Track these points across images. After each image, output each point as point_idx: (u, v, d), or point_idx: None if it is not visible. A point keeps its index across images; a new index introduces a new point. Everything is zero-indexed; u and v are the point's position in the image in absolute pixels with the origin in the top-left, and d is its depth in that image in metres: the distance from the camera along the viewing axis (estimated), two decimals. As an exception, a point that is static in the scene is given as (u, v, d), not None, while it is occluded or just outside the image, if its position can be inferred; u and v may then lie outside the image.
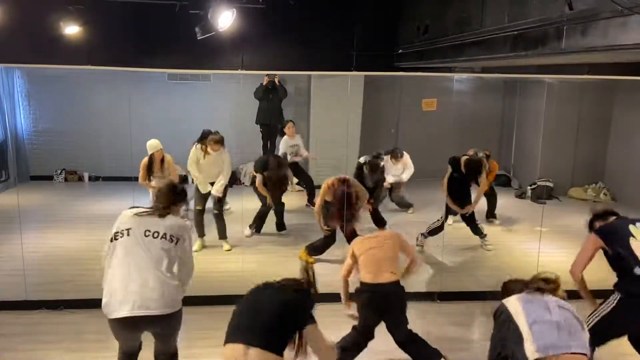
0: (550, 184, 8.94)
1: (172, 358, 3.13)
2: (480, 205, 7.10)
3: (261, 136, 8.93)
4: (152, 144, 6.20)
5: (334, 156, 8.19)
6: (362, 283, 3.59)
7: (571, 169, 9.30)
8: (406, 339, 3.56)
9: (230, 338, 2.31)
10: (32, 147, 9.49)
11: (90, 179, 9.57)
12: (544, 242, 5.75)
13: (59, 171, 9.48)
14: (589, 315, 3.30)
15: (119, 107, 8.06)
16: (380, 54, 7.73)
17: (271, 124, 8.90)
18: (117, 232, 3.03)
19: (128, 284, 2.82)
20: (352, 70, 7.42)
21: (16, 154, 9.00)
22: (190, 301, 3.98)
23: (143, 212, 3.07)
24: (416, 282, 5.15)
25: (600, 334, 3.08)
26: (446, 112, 8.03)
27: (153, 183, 6.13)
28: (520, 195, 9.05)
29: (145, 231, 2.95)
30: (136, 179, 6.90)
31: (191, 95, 9.47)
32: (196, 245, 5.96)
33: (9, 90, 9.06)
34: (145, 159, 6.16)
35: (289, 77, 9.29)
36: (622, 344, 3.53)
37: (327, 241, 5.72)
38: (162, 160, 6.23)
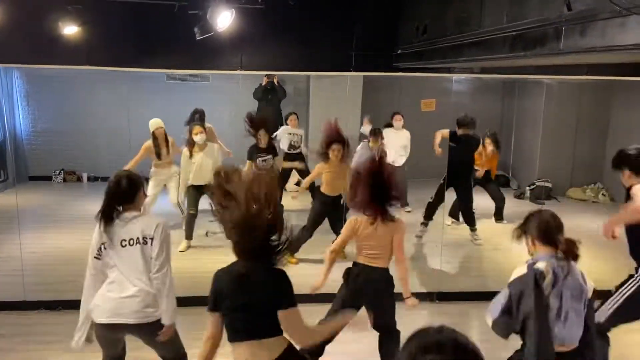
0: (549, 185, 8.95)
1: None
2: (486, 206, 7.11)
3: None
4: (154, 122, 6.23)
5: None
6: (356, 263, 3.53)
7: (570, 169, 9.31)
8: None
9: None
10: (30, 148, 9.47)
11: (89, 179, 9.56)
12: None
13: (58, 171, 9.47)
14: (610, 299, 3.31)
15: (117, 107, 8.06)
16: (379, 54, 7.73)
17: (270, 124, 8.89)
18: (98, 251, 2.92)
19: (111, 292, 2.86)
20: (351, 71, 7.43)
21: (15, 154, 8.99)
22: (188, 302, 3.98)
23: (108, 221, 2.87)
24: (415, 283, 5.15)
25: (624, 315, 3.16)
26: (445, 112, 8.02)
27: (151, 174, 6.14)
28: (519, 196, 9.06)
29: (122, 241, 2.83)
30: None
31: (190, 95, 9.46)
32: (182, 245, 5.93)
33: (7, 90, 9.05)
34: (149, 141, 6.21)
35: (288, 77, 9.29)
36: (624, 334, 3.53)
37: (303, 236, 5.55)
38: (166, 140, 6.27)
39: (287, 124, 7.61)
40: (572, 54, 3.18)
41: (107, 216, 2.81)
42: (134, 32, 7.14)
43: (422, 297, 5.03)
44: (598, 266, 5.42)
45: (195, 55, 7.05)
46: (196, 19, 6.35)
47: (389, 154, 7.16)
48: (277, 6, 6.69)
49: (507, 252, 6.32)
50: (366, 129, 7.35)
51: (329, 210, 5.65)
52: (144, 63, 6.81)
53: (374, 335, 3.73)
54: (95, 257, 2.92)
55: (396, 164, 7.19)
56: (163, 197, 6.67)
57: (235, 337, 2.34)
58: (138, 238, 2.81)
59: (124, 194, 2.85)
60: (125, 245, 2.81)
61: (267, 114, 8.78)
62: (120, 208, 2.86)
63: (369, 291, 3.50)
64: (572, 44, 3.08)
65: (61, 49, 6.81)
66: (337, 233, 5.34)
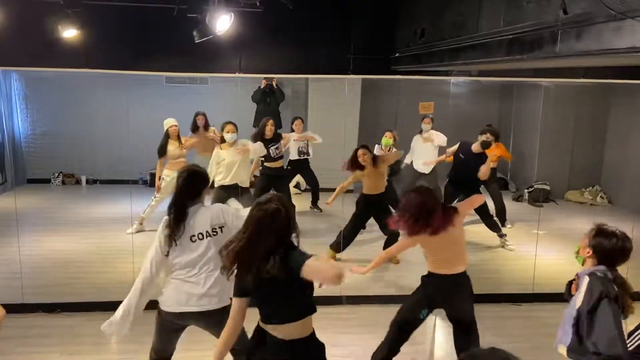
0: (547, 187, 8.97)
1: None
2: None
3: (259, 139, 8.94)
4: (168, 120, 6.58)
5: (330, 159, 8.19)
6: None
7: (568, 172, 9.34)
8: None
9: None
10: (29, 150, 9.48)
11: (87, 182, 9.57)
12: (541, 245, 5.77)
13: (57, 174, 9.48)
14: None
15: (116, 110, 8.08)
16: (378, 57, 7.75)
17: (269, 127, 8.91)
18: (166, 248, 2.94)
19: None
20: (349, 74, 7.44)
21: (13, 157, 8.98)
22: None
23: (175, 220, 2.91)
24: (414, 285, 5.16)
25: None
26: (443, 115, 8.06)
27: (165, 174, 6.26)
28: (518, 198, 9.08)
29: (191, 237, 2.91)
30: (134, 182, 6.95)
31: (189, 98, 9.48)
32: None
33: (6, 93, 9.06)
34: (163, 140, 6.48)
35: (287, 80, 9.31)
36: None
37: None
38: (179, 139, 6.53)
39: (292, 130, 7.62)
40: (568, 58, 3.20)
41: (179, 212, 2.87)
42: (132, 35, 7.14)
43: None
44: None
45: (194, 58, 7.05)
46: (195, 22, 6.36)
47: (417, 163, 7.22)
48: (276, 9, 6.70)
49: (504, 255, 6.34)
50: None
51: (374, 210, 5.78)
52: (142, 66, 6.81)
53: (372, 337, 3.73)
54: (165, 255, 2.92)
55: (425, 172, 7.28)
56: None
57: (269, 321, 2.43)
58: (207, 231, 2.89)
59: (192, 190, 2.92)
60: (195, 240, 2.89)
61: (265, 116, 8.83)
62: (188, 203, 2.92)
63: (454, 297, 3.58)
64: (568, 48, 3.10)
65: (60, 51, 6.81)
66: (386, 232, 5.45)
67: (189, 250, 2.91)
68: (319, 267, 2.35)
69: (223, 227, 2.94)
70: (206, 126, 7.24)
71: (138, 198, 6.49)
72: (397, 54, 7.22)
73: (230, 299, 2.66)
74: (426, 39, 5.74)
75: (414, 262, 6.03)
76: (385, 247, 5.15)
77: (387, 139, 6.91)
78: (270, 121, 6.56)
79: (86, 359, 3.93)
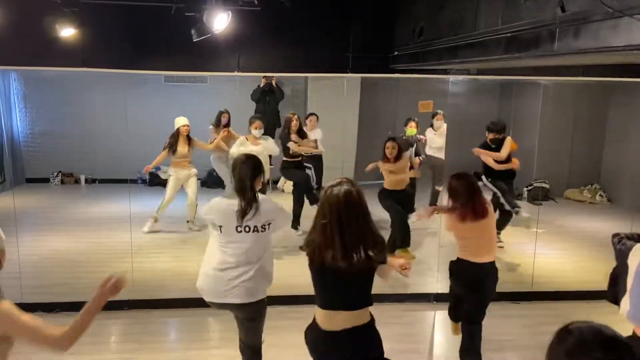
0: (547, 185, 8.97)
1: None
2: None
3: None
4: (180, 119, 6.62)
5: (330, 158, 8.19)
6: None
7: (567, 170, 9.34)
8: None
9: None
10: (28, 150, 9.48)
11: (86, 181, 9.57)
12: (540, 243, 5.77)
13: (55, 173, 9.47)
14: None
15: (115, 109, 8.07)
16: (376, 56, 7.74)
17: (268, 125, 8.90)
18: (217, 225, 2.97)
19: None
20: (348, 72, 7.44)
21: (12, 156, 8.98)
22: (186, 303, 3.99)
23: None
24: (412, 284, 5.17)
25: None
26: (442, 113, 8.05)
27: (171, 172, 6.43)
28: (517, 197, 9.07)
29: (237, 227, 2.90)
30: (133, 181, 6.95)
31: (188, 97, 9.48)
32: None
33: (5, 92, 9.05)
34: (170, 139, 6.53)
35: (286, 79, 9.31)
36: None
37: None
38: (189, 140, 6.57)
39: (305, 125, 7.46)
40: (566, 55, 3.20)
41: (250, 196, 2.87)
42: (131, 34, 7.14)
43: (420, 298, 5.05)
44: (597, 266, 5.44)
45: (192, 57, 7.05)
46: (193, 21, 6.36)
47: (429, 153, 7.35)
48: (274, 8, 6.70)
49: (503, 254, 6.33)
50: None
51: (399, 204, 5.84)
52: (141, 65, 6.81)
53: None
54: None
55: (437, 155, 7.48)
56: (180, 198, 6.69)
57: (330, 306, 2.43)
58: (256, 226, 2.88)
59: (253, 173, 2.92)
60: (241, 231, 2.89)
61: (265, 115, 8.83)
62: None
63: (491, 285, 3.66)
64: (566, 46, 3.10)
65: (58, 51, 6.81)
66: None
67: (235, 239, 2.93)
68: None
69: (271, 223, 2.94)
70: (228, 124, 7.26)
71: (137, 197, 6.49)
72: (395, 53, 7.22)
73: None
74: (424, 37, 5.75)
75: (413, 262, 6.04)
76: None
77: (411, 129, 6.98)
78: (296, 116, 6.72)
79: (86, 358, 3.93)
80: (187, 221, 6.66)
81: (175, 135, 6.58)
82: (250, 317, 3.03)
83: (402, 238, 5.76)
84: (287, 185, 9.05)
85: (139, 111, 8.81)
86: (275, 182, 9.25)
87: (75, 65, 6.75)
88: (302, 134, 6.78)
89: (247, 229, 2.87)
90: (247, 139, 6.36)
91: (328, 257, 2.28)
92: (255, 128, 6.34)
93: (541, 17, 3.32)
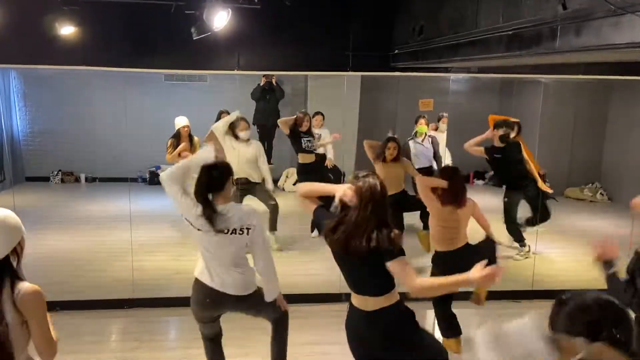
0: (547, 184, 8.95)
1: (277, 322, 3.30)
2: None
3: (258, 137, 8.93)
4: (180, 120, 6.29)
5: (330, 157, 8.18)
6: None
7: (567, 169, 9.32)
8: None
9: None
10: (28, 148, 9.46)
11: (86, 180, 9.56)
12: (541, 242, 5.76)
13: (56, 172, 9.46)
14: None
15: (115, 108, 8.05)
16: (376, 54, 7.73)
17: (268, 124, 8.89)
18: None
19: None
20: (348, 71, 7.43)
21: (12, 155, 8.97)
22: (187, 302, 3.97)
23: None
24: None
25: None
26: (442, 112, 8.04)
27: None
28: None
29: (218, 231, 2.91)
30: (133, 180, 6.94)
31: (188, 95, 9.46)
32: None
33: (5, 91, 9.04)
34: (171, 139, 6.24)
35: (286, 78, 9.29)
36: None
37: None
38: (191, 140, 6.27)
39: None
40: (568, 53, 3.19)
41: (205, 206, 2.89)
42: (130, 33, 7.13)
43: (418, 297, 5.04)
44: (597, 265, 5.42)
45: (192, 55, 7.05)
46: (193, 19, 6.35)
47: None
48: (274, 6, 6.70)
49: (503, 252, 6.32)
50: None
51: (400, 209, 5.67)
52: (141, 63, 6.81)
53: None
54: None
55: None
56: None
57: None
58: (235, 229, 2.89)
59: (214, 182, 2.91)
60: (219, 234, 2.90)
61: (265, 114, 8.81)
62: (210, 196, 2.90)
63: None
64: (568, 43, 3.09)
65: (58, 49, 6.81)
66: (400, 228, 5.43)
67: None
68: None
69: (250, 229, 2.93)
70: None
71: (137, 196, 6.48)
72: (396, 51, 7.21)
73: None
74: (425, 35, 5.74)
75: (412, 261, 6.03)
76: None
77: (422, 126, 6.80)
78: (308, 116, 6.55)
79: (86, 357, 3.92)
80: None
81: (177, 136, 6.43)
82: (252, 307, 3.13)
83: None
84: (288, 183, 9.05)
85: (139, 110, 8.80)
86: (276, 180, 9.24)
87: (75, 64, 6.74)
88: (310, 134, 6.63)
89: (226, 231, 2.89)
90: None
91: (353, 244, 2.37)
92: (242, 130, 5.89)
93: (542, 14, 3.30)
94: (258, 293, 3.10)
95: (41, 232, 6.63)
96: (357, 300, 2.53)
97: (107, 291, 4.81)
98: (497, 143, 5.93)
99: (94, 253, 5.94)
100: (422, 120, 6.96)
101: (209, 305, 3.09)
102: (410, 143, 7.04)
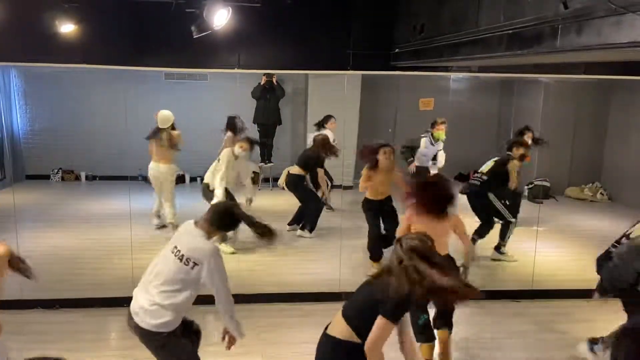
0: (548, 184, 8.95)
1: None
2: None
3: (258, 136, 8.92)
4: (168, 115, 6.28)
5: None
6: None
7: (568, 168, 9.32)
8: None
9: None
10: (28, 146, 9.46)
11: (87, 178, 9.55)
12: (541, 242, 5.75)
13: (56, 170, 9.46)
14: None
15: (115, 106, 8.03)
16: (377, 53, 7.73)
17: (269, 123, 8.89)
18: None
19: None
20: (348, 70, 7.42)
21: (12, 153, 8.97)
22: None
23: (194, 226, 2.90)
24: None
25: None
26: (443, 111, 8.03)
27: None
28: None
29: (174, 248, 2.86)
30: (133, 178, 6.93)
31: (188, 94, 9.45)
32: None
33: (5, 89, 9.03)
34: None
35: (287, 77, 9.29)
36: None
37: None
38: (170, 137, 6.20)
39: (325, 128, 7.22)
40: (569, 52, 3.19)
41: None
42: (131, 31, 7.13)
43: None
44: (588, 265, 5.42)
45: (192, 53, 7.04)
46: (193, 18, 6.34)
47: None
48: (274, 4, 6.69)
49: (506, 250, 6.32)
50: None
51: (380, 214, 5.52)
52: (141, 62, 6.80)
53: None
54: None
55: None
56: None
57: None
58: (183, 255, 2.79)
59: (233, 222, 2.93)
60: (174, 252, 2.84)
61: (265, 113, 8.81)
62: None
63: None
64: (569, 42, 3.08)
65: (58, 47, 6.80)
66: (390, 235, 5.32)
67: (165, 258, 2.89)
68: None
69: (197, 265, 2.79)
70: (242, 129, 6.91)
71: (137, 194, 6.46)
72: (396, 50, 7.20)
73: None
74: (425, 34, 5.73)
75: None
76: None
77: (441, 132, 6.67)
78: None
79: (85, 355, 3.92)
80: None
81: (160, 132, 6.29)
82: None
83: (371, 251, 5.51)
84: (288, 182, 9.03)
85: (139, 108, 8.78)
86: (276, 179, 9.24)
87: (75, 62, 6.74)
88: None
89: (177, 252, 2.82)
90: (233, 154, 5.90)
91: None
92: (240, 147, 5.82)
93: (543, 13, 3.30)
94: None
95: (41, 230, 6.63)
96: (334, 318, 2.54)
97: (106, 289, 4.81)
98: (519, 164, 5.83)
99: (93, 251, 5.94)
100: (442, 126, 6.76)
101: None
102: (423, 140, 6.97)
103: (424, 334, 3.60)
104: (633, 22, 2.50)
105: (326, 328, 2.58)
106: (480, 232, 5.83)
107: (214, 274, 2.74)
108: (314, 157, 6.48)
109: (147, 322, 2.82)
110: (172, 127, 6.30)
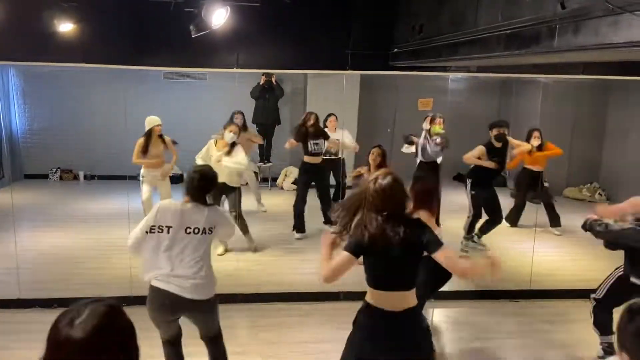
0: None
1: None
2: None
3: (257, 135, 8.93)
4: (152, 119, 6.13)
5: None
6: None
7: (566, 169, 9.32)
8: None
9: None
10: (27, 146, 9.45)
11: (85, 177, 9.55)
12: (539, 242, 5.76)
13: (54, 170, 9.45)
14: None
15: (114, 105, 8.04)
16: (376, 53, 7.73)
17: (268, 123, 8.90)
18: (155, 227, 3.04)
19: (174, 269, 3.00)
20: (347, 70, 7.42)
21: (11, 152, 8.95)
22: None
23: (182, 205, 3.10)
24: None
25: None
26: (442, 111, 8.03)
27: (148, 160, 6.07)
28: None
29: (186, 228, 3.02)
30: (132, 177, 6.90)
31: (187, 93, 9.45)
32: (219, 249, 5.79)
33: (3, 88, 9.03)
34: (142, 138, 6.07)
35: (286, 77, 9.29)
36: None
37: None
38: (162, 140, 6.14)
39: (325, 127, 7.10)
40: (566, 52, 3.19)
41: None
42: (129, 30, 7.13)
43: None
44: (595, 265, 5.43)
45: (191, 53, 7.04)
46: (192, 17, 6.34)
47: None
48: (273, 4, 6.69)
49: (502, 252, 6.33)
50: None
51: None
52: (140, 61, 6.80)
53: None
54: (149, 231, 3.08)
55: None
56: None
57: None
58: (204, 228, 3.04)
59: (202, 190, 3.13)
60: (190, 232, 3.02)
61: (265, 112, 8.81)
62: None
63: None
64: (566, 42, 3.09)
65: (57, 46, 6.80)
66: None
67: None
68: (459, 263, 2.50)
69: (213, 228, 3.09)
70: (244, 126, 6.93)
71: (136, 194, 6.46)
72: (395, 50, 7.21)
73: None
74: (424, 34, 5.74)
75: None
76: None
77: (437, 126, 6.61)
78: (314, 115, 6.44)
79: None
80: None
81: (148, 135, 6.13)
82: (206, 311, 3.13)
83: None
84: (287, 182, 9.04)
85: (138, 107, 8.76)
86: (275, 179, 9.24)
87: (74, 61, 6.74)
88: (324, 135, 6.46)
89: (196, 230, 3.01)
90: (215, 143, 5.80)
91: (388, 242, 2.40)
92: (230, 132, 5.63)
93: (541, 13, 3.30)
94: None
95: (39, 230, 6.63)
96: (386, 298, 2.49)
97: (105, 288, 4.80)
98: (496, 144, 6.00)
99: (92, 250, 5.94)
100: (439, 120, 6.73)
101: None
102: (423, 133, 6.93)
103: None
104: (630, 22, 2.51)
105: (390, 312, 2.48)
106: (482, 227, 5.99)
107: (223, 224, 3.17)
108: None
109: (205, 292, 3.04)
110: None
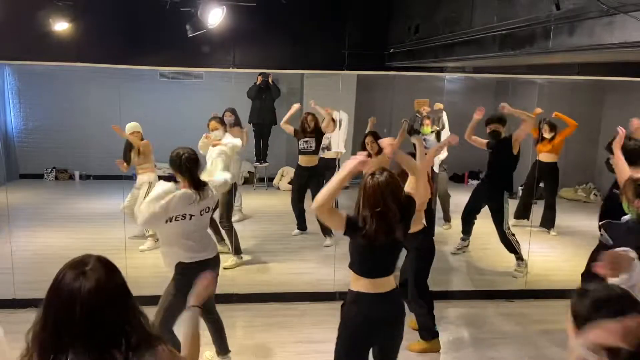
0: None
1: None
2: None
3: (254, 135, 8.93)
4: (131, 125, 6.01)
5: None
6: None
7: (562, 169, 9.35)
8: None
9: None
10: (22, 145, 9.42)
11: (81, 177, 9.52)
12: (535, 242, 5.78)
13: (50, 169, 9.42)
14: None
15: (110, 105, 8.02)
16: (372, 53, 7.73)
17: (264, 123, 8.89)
18: (178, 215, 3.22)
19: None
20: (343, 70, 7.42)
21: (6, 152, 8.93)
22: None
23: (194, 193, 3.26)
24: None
25: None
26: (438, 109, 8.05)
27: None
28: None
29: (201, 211, 3.31)
30: (127, 177, 6.91)
31: (183, 93, 9.44)
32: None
33: (-1, 87, 9.00)
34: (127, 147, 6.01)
35: (283, 77, 9.28)
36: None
37: None
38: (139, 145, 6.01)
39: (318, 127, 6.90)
40: (561, 53, 3.21)
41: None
42: (125, 29, 7.10)
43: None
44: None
45: (187, 52, 7.02)
46: (188, 16, 6.33)
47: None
48: (269, 4, 6.68)
49: (497, 252, 6.35)
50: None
51: None
52: (135, 60, 6.77)
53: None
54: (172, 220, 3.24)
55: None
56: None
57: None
58: (209, 207, 3.41)
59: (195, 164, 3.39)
60: (204, 213, 3.36)
61: (261, 112, 8.80)
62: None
63: None
64: (561, 43, 3.10)
65: (52, 45, 6.77)
66: None
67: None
68: None
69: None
70: (237, 123, 6.90)
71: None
72: (391, 50, 7.21)
73: None
74: (420, 35, 5.75)
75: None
76: None
77: (426, 127, 6.62)
78: (311, 116, 6.54)
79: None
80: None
81: (128, 144, 6.01)
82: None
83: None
84: (283, 182, 9.04)
85: (134, 107, 8.76)
86: (271, 179, 9.24)
87: (69, 60, 6.72)
88: (318, 134, 6.46)
89: (207, 209, 3.36)
90: (206, 138, 5.69)
91: (379, 237, 2.56)
92: (213, 130, 5.55)
93: (536, 14, 3.31)
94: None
95: (35, 230, 6.60)
96: (375, 284, 2.67)
97: (100, 288, 4.79)
98: (492, 141, 6.02)
99: (87, 250, 5.82)
100: (427, 121, 6.77)
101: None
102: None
103: (431, 332, 4.07)
104: (624, 23, 2.52)
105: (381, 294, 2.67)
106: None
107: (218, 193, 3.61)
108: None
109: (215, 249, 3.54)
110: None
